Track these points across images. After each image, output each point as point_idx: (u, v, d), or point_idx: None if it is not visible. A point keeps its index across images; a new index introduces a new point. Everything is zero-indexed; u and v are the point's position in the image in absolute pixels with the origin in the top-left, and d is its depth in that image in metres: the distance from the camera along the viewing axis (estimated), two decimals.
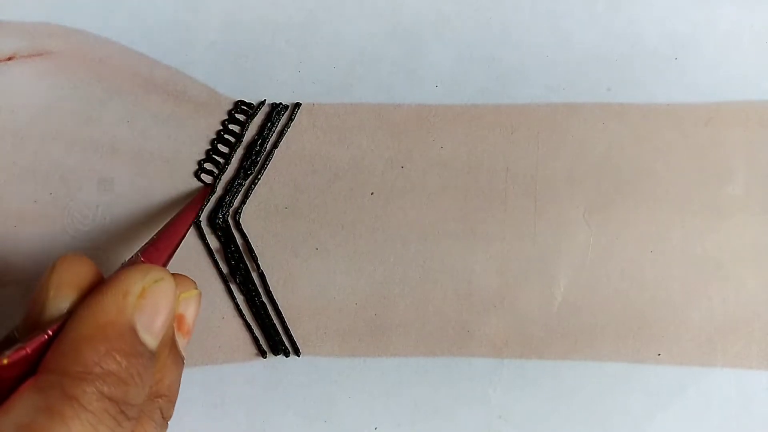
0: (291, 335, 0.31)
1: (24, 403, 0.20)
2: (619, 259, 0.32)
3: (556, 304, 0.31)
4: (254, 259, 0.32)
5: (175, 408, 0.27)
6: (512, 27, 0.32)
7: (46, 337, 0.22)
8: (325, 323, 0.31)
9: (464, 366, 0.31)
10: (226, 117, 0.32)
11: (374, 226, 0.32)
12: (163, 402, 0.25)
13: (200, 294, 0.27)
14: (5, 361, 0.20)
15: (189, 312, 0.27)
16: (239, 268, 0.32)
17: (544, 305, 0.31)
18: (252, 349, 0.31)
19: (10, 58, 0.32)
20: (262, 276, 0.32)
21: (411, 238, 0.32)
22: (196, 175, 0.32)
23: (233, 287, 0.32)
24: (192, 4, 0.33)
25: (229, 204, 0.32)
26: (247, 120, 0.32)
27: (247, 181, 0.32)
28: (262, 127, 0.32)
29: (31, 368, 0.21)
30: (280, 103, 0.32)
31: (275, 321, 0.31)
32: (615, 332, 0.31)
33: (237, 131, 0.32)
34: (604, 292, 0.31)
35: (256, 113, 0.32)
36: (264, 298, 0.32)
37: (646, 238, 0.32)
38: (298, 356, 0.31)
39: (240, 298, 0.32)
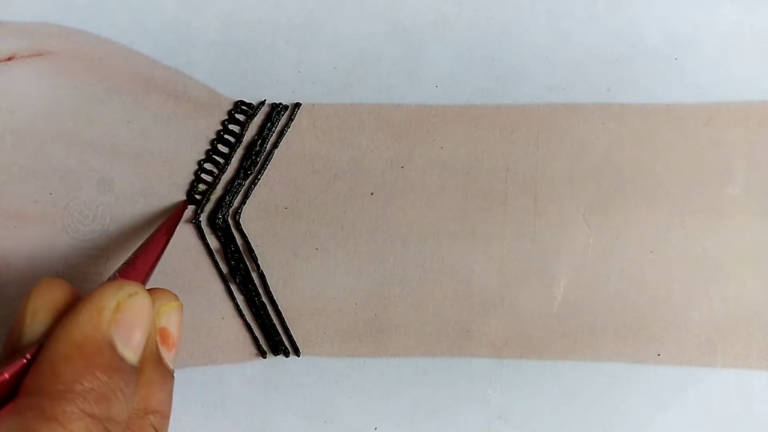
0: (291, 335, 0.31)
1: (3, 428, 0.20)
2: (619, 259, 0.32)
3: (556, 304, 0.31)
4: (254, 259, 0.32)
5: (175, 408, 0.27)
6: (512, 27, 0.32)
7: (24, 361, 0.21)
8: (325, 323, 0.31)
9: (464, 366, 0.31)
10: (226, 117, 0.32)
11: (374, 226, 0.32)
12: (155, 418, 0.25)
13: (181, 306, 0.27)
14: None
15: (171, 324, 0.27)
16: (239, 269, 0.32)
17: (544, 305, 0.31)
18: (252, 349, 0.31)
19: (10, 58, 0.32)
20: (262, 276, 0.32)
21: (411, 238, 0.32)
22: (196, 175, 0.32)
23: (233, 287, 0.32)
24: (192, 4, 0.33)
25: (229, 204, 0.32)
26: (247, 120, 0.32)
27: (247, 181, 0.32)
28: (262, 128, 0.32)
29: (9, 393, 0.21)
30: (280, 103, 0.32)
31: (275, 321, 0.31)
32: (615, 332, 0.31)
33: (237, 131, 0.32)
34: (604, 292, 0.31)
35: (256, 113, 0.32)
36: (264, 298, 0.32)
37: (646, 238, 0.32)
38: (298, 356, 0.31)
39: (240, 298, 0.32)
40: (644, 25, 0.32)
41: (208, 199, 0.32)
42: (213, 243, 0.32)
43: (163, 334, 0.26)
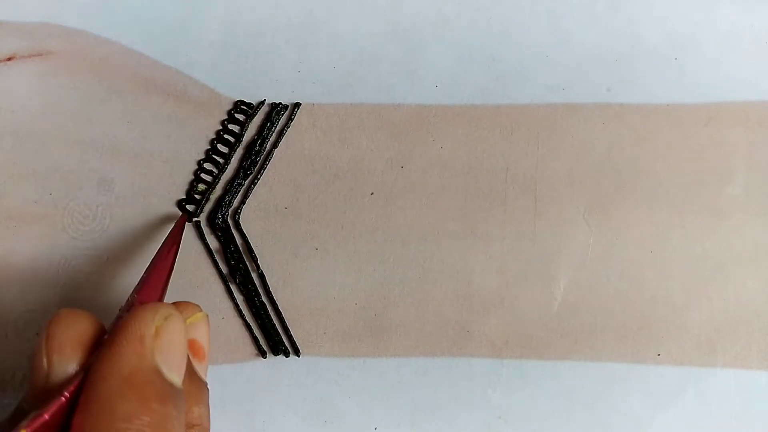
0: (291, 335, 0.31)
1: None
2: (619, 259, 0.32)
3: (556, 304, 0.31)
4: (254, 259, 0.32)
5: None
6: (512, 27, 0.32)
7: (64, 399, 0.21)
8: (325, 323, 0.31)
9: (464, 366, 0.31)
10: (226, 117, 0.32)
11: (374, 226, 0.32)
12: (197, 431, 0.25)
13: (206, 315, 0.27)
14: (24, 431, 0.20)
15: (200, 335, 0.26)
16: (239, 268, 0.32)
17: (544, 305, 0.31)
18: (252, 349, 0.31)
19: (10, 58, 0.32)
20: (261, 276, 0.32)
21: (411, 238, 0.32)
22: (196, 174, 0.32)
23: (233, 287, 0.32)
24: (192, 4, 0.33)
25: (229, 204, 0.32)
26: (246, 120, 0.32)
27: (247, 181, 0.32)
28: (261, 127, 0.32)
29: None
30: (280, 103, 0.32)
31: (275, 321, 0.31)
32: (615, 332, 0.31)
33: (237, 131, 0.32)
34: (604, 292, 0.31)
35: (256, 113, 0.32)
36: (264, 298, 0.32)
37: (646, 238, 0.32)
38: (298, 356, 0.31)
39: (240, 298, 0.32)
40: (644, 25, 0.32)
41: (207, 199, 0.32)
42: (213, 243, 0.32)
43: (194, 346, 0.26)
